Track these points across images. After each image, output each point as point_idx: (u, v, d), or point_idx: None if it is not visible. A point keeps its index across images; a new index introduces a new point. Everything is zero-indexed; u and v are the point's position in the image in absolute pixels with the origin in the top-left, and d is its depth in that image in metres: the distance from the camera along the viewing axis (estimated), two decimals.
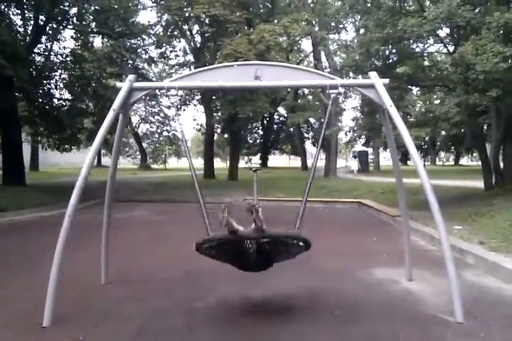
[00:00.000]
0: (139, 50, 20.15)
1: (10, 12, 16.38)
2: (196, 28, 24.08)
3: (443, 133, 30.09)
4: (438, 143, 48.07)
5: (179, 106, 20.35)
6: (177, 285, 5.29)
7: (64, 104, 19.32)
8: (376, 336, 3.75)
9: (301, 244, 4.09)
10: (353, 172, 33.94)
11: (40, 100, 18.02)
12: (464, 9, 9.52)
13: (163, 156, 52.34)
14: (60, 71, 18.45)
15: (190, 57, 25.80)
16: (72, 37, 18.55)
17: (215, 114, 25.00)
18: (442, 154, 62.76)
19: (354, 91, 19.68)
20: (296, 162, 60.06)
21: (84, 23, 17.73)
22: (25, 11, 17.29)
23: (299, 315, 4.27)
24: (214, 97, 23.14)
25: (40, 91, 17.73)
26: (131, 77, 4.73)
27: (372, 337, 3.74)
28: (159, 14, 22.82)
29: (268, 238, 3.85)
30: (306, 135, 45.37)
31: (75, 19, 17.63)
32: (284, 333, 3.84)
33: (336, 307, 4.44)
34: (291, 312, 4.34)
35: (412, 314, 4.26)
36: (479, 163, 15.11)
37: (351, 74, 13.33)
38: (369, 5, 12.56)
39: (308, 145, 47.39)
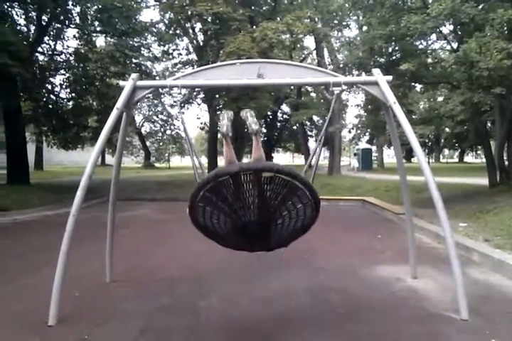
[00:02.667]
0: (142, 49, 20.12)
1: (13, 12, 16.40)
2: (199, 25, 24.01)
3: (447, 130, 29.97)
4: (442, 141, 47.93)
5: (182, 105, 20.33)
6: (180, 284, 5.30)
7: (68, 102, 19.35)
8: (380, 334, 3.75)
9: (308, 194, 3.58)
10: (353, 169, 34.10)
11: (44, 99, 18.04)
12: (467, 6, 9.48)
13: (166, 155, 52.40)
14: (63, 70, 18.45)
15: (193, 56, 25.75)
16: (75, 36, 18.54)
17: (218, 113, 24.98)
18: (446, 151, 62.58)
19: (358, 88, 19.66)
20: (299, 160, 60.04)
21: (87, 22, 17.71)
22: (29, 11, 17.31)
23: (302, 313, 4.27)
24: (217, 95, 23.10)
25: (44, 90, 17.75)
26: (134, 75, 4.73)
27: (376, 335, 3.73)
28: (162, 12, 22.81)
29: (269, 170, 3.40)
30: (309, 133, 45.25)
31: (78, 18, 17.62)
32: (286, 331, 3.84)
33: (339, 305, 4.43)
34: (294, 311, 4.34)
35: (416, 311, 4.25)
36: (484, 160, 15.06)
37: (354, 71, 13.29)
38: (372, 2, 12.52)
39: (311, 143, 47.33)
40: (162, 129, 48.66)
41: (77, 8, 17.12)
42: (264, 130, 47.55)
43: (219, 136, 30.34)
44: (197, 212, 3.70)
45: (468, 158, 60.03)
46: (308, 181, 3.58)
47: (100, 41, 23.12)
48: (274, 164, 3.52)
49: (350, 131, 27.47)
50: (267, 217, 3.63)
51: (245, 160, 36.57)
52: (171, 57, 25.26)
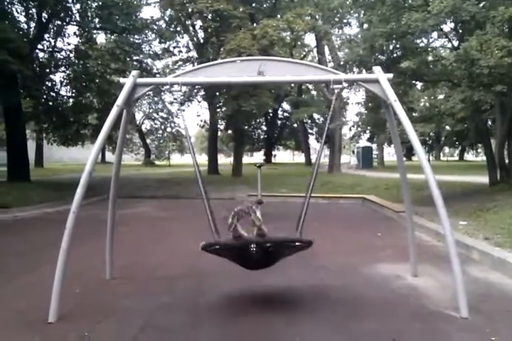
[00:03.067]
0: (142, 46, 20.11)
1: (13, 9, 16.38)
2: (199, 23, 24.00)
3: (447, 128, 30.00)
4: (443, 139, 47.93)
5: (183, 102, 20.31)
6: (180, 282, 5.30)
7: (68, 100, 19.34)
8: (380, 332, 3.75)
9: (303, 244, 4.26)
10: (352, 167, 34.27)
11: (45, 96, 18.03)
12: (468, 3, 9.46)
13: (166, 152, 52.43)
14: (63, 67, 18.44)
15: (193, 53, 25.75)
16: (75, 33, 18.53)
17: (218, 110, 24.99)
18: (447, 149, 62.57)
19: (358, 86, 19.64)
20: (299, 157, 60.08)
21: (87, 19, 17.69)
22: (29, 8, 17.29)
23: (302, 311, 4.26)
24: (218, 93, 23.10)
25: (44, 87, 17.74)
26: (134, 72, 4.72)
27: (377, 333, 3.73)
28: (162, 9, 22.78)
29: (271, 243, 4.07)
30: (309, 131, 45.29)
31: (78, 15, 17.61)
32: (286, 329, 3.84)
33: (339, 303, 4.44)
34: (294, 309, 4.34)
35: (416, 309, 4.25)
36: (484, 158, 15.05)
37: (355, 69, 13.27)
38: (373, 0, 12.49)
39: (312, 140, 47.39)
40: (162, 127, 48.71)
41: (78, 5, 17.13)
42: (265, 128, 47.66)
43: (219, 133, 30.42)
44: (207, 251, 4.26)
45: (469, 156, 60.05)
46: (304, 240, 4.24)
47: (101, 38, 23.11)
48: (274, 239, 4.14)
49: (350, 129, 27.49)
50: (269, 260, 4.41)
51: (245, 157, 36.59)
52: (171, 54, 25.24)
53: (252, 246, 4.03)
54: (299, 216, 4.48)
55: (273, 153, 52.27)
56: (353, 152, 38.40)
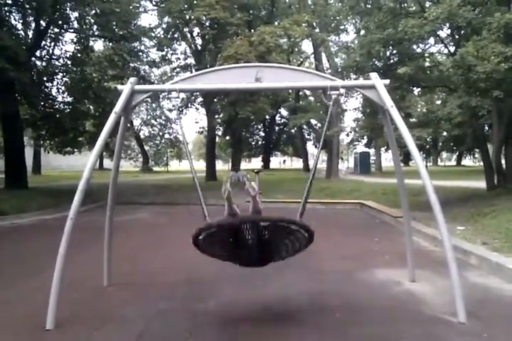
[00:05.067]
0: (140, 53, 20.16)
1: (11, 16, 16.43)
2: (197, 30, 24.10)
3: (444, 133, 30.03)
4: (440, 144, 47.98)
5: (181, 109, 20.41)
6: (178, 288, 5.30)
7: (66, 107, 19.34)
8: (378, 337, 3.75)
9: (302, 231, 3.90)
10: (347, 171, 34.69)
11: (42, 103, 18.04)
12: (464, 10, 9.53)
13: (164, 159, 52.39)
14: (61, 74, 18.47)
15: (191, 60, 25.82)
16: (72, 41, 18.56)
17: (216, 116, 25.02)
18: (444, 155, 62.63)
19: (355, 92, 19.70)
20: (297, 163, 60.19)
21: (85, 26, 17.74)
22: (27, 15, 17.34)
23: (301, 317, 4.26)
24: (215, 99, 23.15)
25: (42, 94, 17.75)
26: (132, 79, 4.74)
27: (375, 338, 3.73)
28: (160, 17, 22.87)
29: (267, 221, 3.75)
30: (307, 136, 45.33)
31: (76, 23, 17.66)
32: (285, 336, 3.84)
33: (337, 309, 4.43)
34: (292, 315, 4.33)
35: (414, 315, 4.26)
36: (481, 163, 15.08)
37: (352, 75, 13.33)
38: (369, 6, 12.57)
39: (309, 146, 47.43)
40: (160, 133, 48.71)
41: (76, 13, 17.16)
42: (263, 134, 47.74)
43: (217, 139, 30.44)
44: (199, 245, 4.00)
45: (466, 161, 60.09)
46: (303, 223, 3.90)
47: (99, 45, 23.19)
48: (270, 216, 3.82)
49: (348, 135, 27.49)
50: (265, 252, 4.05)
51: (243, 163, 36.62)
52: (168, 62, 25.28)
53: (247, 226, 3.72)
54: (302, 202, 4.28)
55: (269, 159, 52.32)
56: (342, 158, 38.98)
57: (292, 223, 3.82)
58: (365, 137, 28.18)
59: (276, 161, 63.74)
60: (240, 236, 3.80)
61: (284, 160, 68.05)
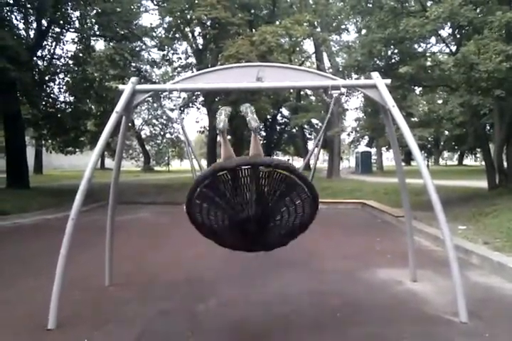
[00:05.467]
0: (141, 53, 20.17)
1: (12, 16, 16.44)
2: (198, 30, 24.12)
3: (446, 133, 30.01)
4: (441, 143, 47.95)
5: (182, 109, 20.35)
6: (179, 288, 5.29)
7: (67, 106, 19.35)
8: (379, 337, 3.74)
9: (306, 190, 3.59)
10: (349, 170, 35.05)
11: (44, 103, 18.05)
12: (466, 9, 9.51)
13: (166, 158, 52.40)
14: (62, 74, 18.48)
15: (192, 59, 25.83)
16: (73, 40, 18.57)
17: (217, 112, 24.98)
18: (446, 154, 62.58)
19: (357, 91, 19.71)
20: (298, 163, 60.16)
21: (86, 26, 17.75)
22: (28, 15, 17.35)
23: (302, 317, 4.26)
24: (216, 99, 23.15)
25: (43, 94, 17.77)
26: (133, 79, 4.73)
27: (376, 338, 3.73)
28: (161, 17, 22.88)
29: (267, 165, 3.40)
30: (308, 136, 45.30)
31: (77, 22, 17.67)
32: (285, 335, 3.84)
33: (338, 308, 4.43)
34: (293, 315, 4.32)
35: (416, 314, 4.25)
36: (483, 163, 15.07)
37: (353, 74, 13.32)
38: (371, 5, 12.56)
39: (310, 146, 47.38)
40: (162, 133, 48.71)
41: (77, 13, 17.18)
42: (264, 133, 47.73)
43: (218, 138, 30.39)
44: (194, 208, 3.67)
45: (468, 160, 60.05)
46: (306, 176, 3.56)
47: (100, 44, 23.20)
48: (271, 159, 3.53)
49: (349, 134, 27.48)
50: (265, 213, 3.61)
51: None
52: (169, 62, 25.29)
53: (245, 172, 3.39)
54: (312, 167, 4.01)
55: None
56: (341, 158, 39.43)
57: (295, 173, 3.49)
58: (367, 136, 28.22)
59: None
60: (237, 188, 3.48)
61: (288, 160, 68.17)
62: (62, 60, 18.57)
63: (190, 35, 25.17)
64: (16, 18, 16.80)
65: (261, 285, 5.14)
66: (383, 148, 38.13)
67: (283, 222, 3.80)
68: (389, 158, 47.75)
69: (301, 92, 37.65)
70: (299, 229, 3.92)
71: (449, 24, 11.09)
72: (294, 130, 44.38)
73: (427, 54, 13.67)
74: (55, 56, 18.50)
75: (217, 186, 3.50)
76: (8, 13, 15.85)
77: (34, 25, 17.72)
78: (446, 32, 12.53)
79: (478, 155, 48.36)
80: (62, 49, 18.62)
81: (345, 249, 7.68)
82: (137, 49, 19.45)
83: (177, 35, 24.14)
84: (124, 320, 4.19)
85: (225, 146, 3.78)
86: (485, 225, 8.24)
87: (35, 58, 17.23)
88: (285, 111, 44.11)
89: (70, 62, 18.42)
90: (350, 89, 11.56)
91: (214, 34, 21.09)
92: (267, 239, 3.85)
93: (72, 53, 18.54)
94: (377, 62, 12.38)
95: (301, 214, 3.77)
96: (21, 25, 17.52)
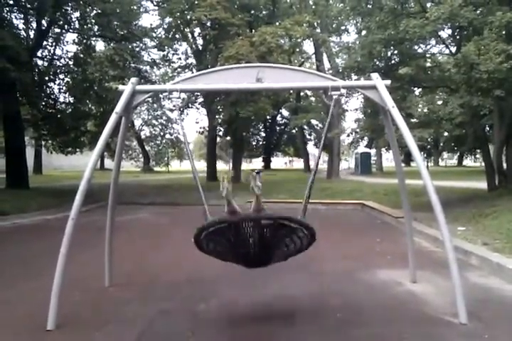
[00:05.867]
0: (141, 53, 20.18)
1: (12, 16, 16.47)
2: (198, 30, 24.12)
3: (446, 134, 30.04)
4: (441, 144, 47.96)
5: (182, 109, 20.36)
6: (179, 288, 5.29)
7: (67, 107, 19.37)
8: (379, 337, 3.74)
9: (304, 230, 3.89)
10: (349, 170, 35.39)
11: (43, 103, 18.06)
12: (466, 10, 9.52)
13: (165, 159, 52.41)
14: (62, 74, 18.49)
15: (192, 60, 25.83)
16: (74, 41, 18.59)
17: (217, 117, 25.03)
18: (445, 155, 62.60)
19: (356, 92, 19.69)
20: (298, 164, 60.20)
21: (86, 26, 17.76)
22: (28, 16, 17.37)
23: (302, 318, 4.26)
24: (216, 100, 23.15)
25: (43, 94, 17.77)
26: (133, 79, 4.74)
27: (376, 339, 3.73)
28: (161, 17, 22.88)
29: (268, 219, 3.75)
30: (308, 137, 45.34)
31: (77, 23, 17.68)
32: (286, 336, 3.84)
33: (338, 310, 4.43)
34: (293, 316, 4.32)
35: (415, 315, 4.25)
36: (482, 164, 15.07)
37: (353, 75, 13.32)
38: (370, 6, 12.57)
39: (310, 147, 47.44)
40: (161, 133, 48.72)
41: (77, 13, 17.19)
42: (263, 134, 47.75)
43: (218, 139, 30.42)
44: (201, 243, 4.00)
45: (467, 161, 60.07)
46: (304, 221, 3.91)
47: (100, 45, 23.19)
48: (272, 214, 3.86)
49: (349, 135, 27.53)
50: (266, 251, 4.03)
51: (243, 163, 36.64)
52: (169, 63, 25.29)
53: (248, 224, 3.72)
54: (304, 201, 4.29)
55: (271, 159, 52.39)
56: (341, 159, 40.04)
57: (294, 221, 3.81)
58: (366, 137, 28.24)
59: (278, 161, 63.97)
60: (241, 235, 3.79)
61: (290, 160, 67.65)
62: (62, 60, 18.62)
63: (190, 35, 25.16)
64: (15, 18, 16.85)
65: (261, 285, 5.14)
66: (383, 149, 38.16)
67: (283, 252, 4.22)
68: (388, 159, 47.79)
69: (301, 93, 37.67)
70: (297, 253, 4.32)
71: (448, 25, 11.08)
72: (293, 131, 44.38)
73: (427, 55, 13.68)
74: (55, 56, 18.54)
75: (221, 232, 3.83)
76: (8, 13, 15.87)
77: (34, 25, 17.75)
78: (445, 33, 12.54)
79: (477, 156, 48.37)
80: (62, 49, 18.71)
81: (345, 249, 7.68)
82: (137, 49, 19.45)
83: (177, 36, 24.13)
84: (124, 321, 4.19)
85: (230, 205, 3.87)
86: (484, 226, 8.24)
87: (35, 58, 17.25)
88: (285, 112, 44.17)
89: (70, 62, 18.43)
90: (350, 90, 11.56)
91: (214, 35, 21.09)
92: (267, 262, 4.24)
93: (72, 54, 18.57)
94: (377, 63, 12.38)
95: (300, 246, 4.14)
96: (21, 26, 17.58)
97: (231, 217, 3.75)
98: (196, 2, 20.21)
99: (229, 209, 3.81)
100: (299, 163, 63.16)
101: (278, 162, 63.36)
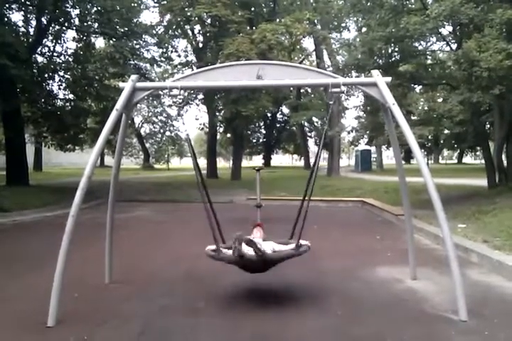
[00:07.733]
0: (141, 51, 20.14)
1: (12, 13, 16.43)
2: (198, 28, 24.09)
3: (446, 131, 30.00)
4: (441, 142, 47.91)
5: (182, 106, 20.38)
6: (180, 285, 5.30)
7: (67, 104, 19.35)
8: (380, 335, 3.74)
9: (301, 254, 4.60)
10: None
11: (43, 100, 18.04)
12: (466, 7, 9.49)
13: (165, 156, 52.40)
14: (62, 71, 18.46)
15: (192, 57, 25.80)
16: (74, 38, 18.55)
17: (217, 114, 25.03)
18: (446, 152, 62.55)
19: (357, 89, 19.70)
20: (298, 161, 60.20)
21: (86, 23, 17.72)
22: (28, 13, 17.33)
23: (302, 314, 4.26)
24: (216, 97, 23.14)
25: (43, 91, 17.74)
26: (133, 77, 4.73)
27: (376, 336, 3.73)
28: (161, 14, 22.83)
29: (271, 260, 4.40)
30: (308, 134, 45.33)
31: (77, 20, 17.64)
32: (286, 333, 3.84)
33: (339, 307, 4.43)
34: (293, 313, 4.32)
35: (415, 312, 4.25)
36: (482, 161, 15.06)
37: (353, 72, 13.30)
38: (371, 4, 12.54)
39: (310, 144, 47.42)
40: (161, 130, 48.70)
41: (77, 10, 17.14)
42: (264, 131, 47.73)
43: (218, 136, 30.44)
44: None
45: (468, 159, 60.04)
46: (302, 252, 4.59)
47: (100, 42, 23.14)
48: (272, 257, 4.42)
49: (349, 133, 27.49)
50: (265, 268, 4.59)
51: (244, 161, 36.63)
52: (169, 60, 25.26)
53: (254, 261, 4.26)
54: (294, 226, 4.82)
55: (272, 156, 52.36)
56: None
57: (292, 256, 4.55)
58: (366, 136, 28.18)
59: (280, 159, 63.65)
60: (244, 260, 4.32)
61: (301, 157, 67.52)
62: (62, 57, 18.55)
63: (190, 32, 25.13)
64: (15, 14, 16.83)
65: (261, 282, 5.14)
66: (383, 147, 38.10)
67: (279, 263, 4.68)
68: (389, 157, 47.71)
69: (302, 90, 37.66)
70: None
71: (449, 22, 11.06)
72: (294, 128, 44.38)
73: (428, 52, 13.65)
74: (54, 53, 18.48)
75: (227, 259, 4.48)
76: (8, 10, 15.82)
77: (34, 22, 17.70)
78: (446, 30, 12.51)
79: (478, 153, 48.32)
80: (62, 46, 18.60)
81: (345, 247, 7.68)
82: (137, 47, 19.40)
83: (177, 33, 24.11)
84: (124, 317, 4.19)
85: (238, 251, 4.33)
86: (485, 223, 8.24)
87: (34, 56, 17.22)
88: (285, 109, 44.13)
89: (70, 59, 18.40)
90: (350, 87, 11.56)
91: (214, 32, 21.07)
92: (265, 270, 4.69)
93: (72, 51, 18.52)
94: (378, 60, 12.36)
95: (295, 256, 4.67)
96: (21, 23, 17.51)
97: (238, 259, 4.26)
98: None
99: (238, 253, 4.15)
100: (294, 160, 63.23)
101: (279, 159, 63.28)
